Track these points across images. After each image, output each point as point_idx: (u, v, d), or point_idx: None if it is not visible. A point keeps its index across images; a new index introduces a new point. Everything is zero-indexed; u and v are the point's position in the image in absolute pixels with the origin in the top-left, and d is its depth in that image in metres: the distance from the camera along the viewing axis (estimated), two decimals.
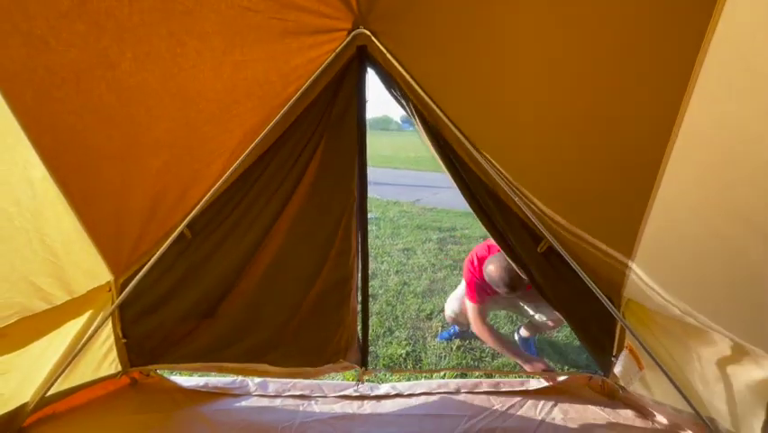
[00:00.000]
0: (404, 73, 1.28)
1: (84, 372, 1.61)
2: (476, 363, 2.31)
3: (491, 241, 2.18)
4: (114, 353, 1.68)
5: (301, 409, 1.72)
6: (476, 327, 2.10)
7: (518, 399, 1.79)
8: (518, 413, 1.72)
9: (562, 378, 1.88)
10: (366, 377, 1.87)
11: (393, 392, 1.84)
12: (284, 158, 1.45)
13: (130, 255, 1.54)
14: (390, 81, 1.35)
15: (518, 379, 1.96)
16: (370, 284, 1.74)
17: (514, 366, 2.29)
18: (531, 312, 2.30)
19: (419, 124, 1.40)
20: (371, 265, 2.73)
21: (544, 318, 2.25)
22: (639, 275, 1.40)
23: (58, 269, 1.38)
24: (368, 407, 1.76)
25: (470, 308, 2.12)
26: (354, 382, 1.88)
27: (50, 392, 1.50)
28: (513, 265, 1.69)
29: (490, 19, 1.15)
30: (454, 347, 2.42)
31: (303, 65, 1.29)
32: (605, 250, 1.42)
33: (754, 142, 0.98)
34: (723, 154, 1.05)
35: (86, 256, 1.45)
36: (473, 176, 1.44)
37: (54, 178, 1.26)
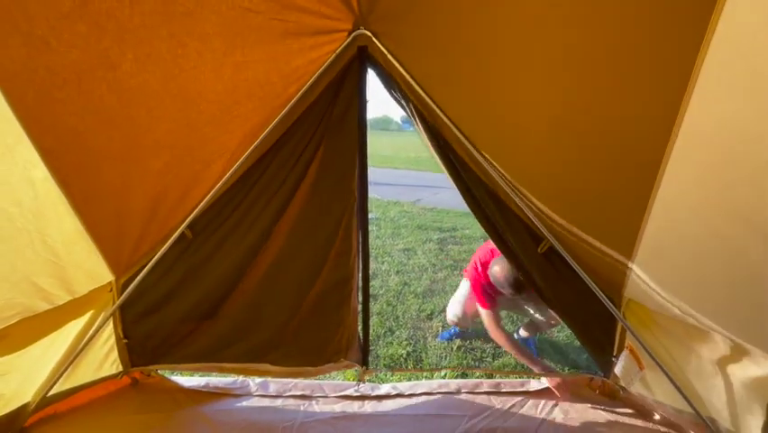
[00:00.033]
0: (404, 74, 1.28)
1: (85, 372, 1.61)
2: (477, 364, 2.31)
3: (491, 244, 2.19)
4: (116, 353, 1.68)
5: (302, 409, 1.72)
6: (493, 333, 2.10)
7: (519, 399, 1.79)
8: (519, 413, 1.72)
9: (567, 378, 1.88)
10: (367, 376, 1.87)
11: (394, 392, 1.84)
12: (285, 158, 1.46)
13: (131, 256, 1.54)
14: (391, 82, 1.35)
15: (519, 379, 1.96)
16: (370, 284, 1.74)
17: (515, 366, 2.29)
18: (531, 311, 2.30)
19: (419, 124, 1.40)
20: (372, 265, 2.74)
21: (544, 318, 2.25)
22: (639, 275, 1.40)
23: (59, 269, 1.38)
24: (368, 407, 1.76)
25: (484, 314, 2.12)
26: (355, 382, 1.88)
27: (51, 392, 1.51)
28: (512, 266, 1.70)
29: (490, 19, 1.15)
30: (455, 347, 2.42)
31: (304, 66, 1.29)
32: (605, 250, 1.42)
33: (754, 142, 0.98)
34: (723, 154, 1.05)
35: (88, 257, 1.45)
36: (473, 176, 1.45)
37: (55, 178, 1.26)
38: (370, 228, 1.65)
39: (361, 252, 1.65)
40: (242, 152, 1.39)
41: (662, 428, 1.62)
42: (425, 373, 2.20)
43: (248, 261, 1.60)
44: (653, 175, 1.18)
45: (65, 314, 1.48)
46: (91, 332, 1.50)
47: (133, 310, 1.62)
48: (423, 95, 1.30)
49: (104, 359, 1.65)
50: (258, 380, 1.86)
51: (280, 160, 1.46)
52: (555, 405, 1.76)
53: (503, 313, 2.76)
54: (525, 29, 1.15)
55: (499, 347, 2.42)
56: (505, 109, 1.31)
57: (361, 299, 1.74)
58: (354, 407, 1.76)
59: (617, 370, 1.65)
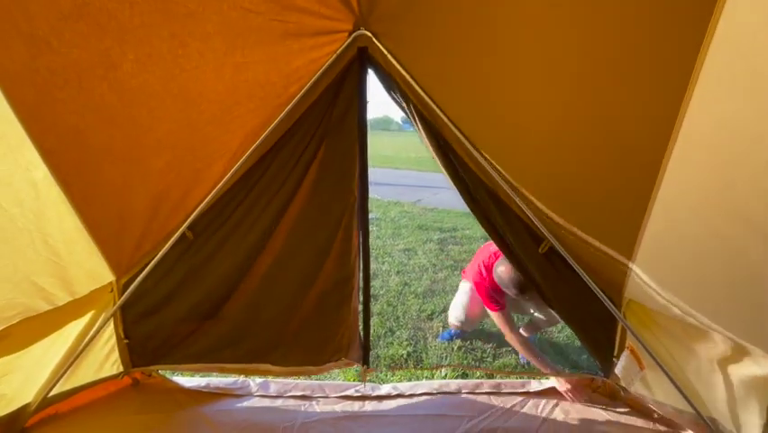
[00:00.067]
0: (404, 74, 1.28)
1: (86, 372, 1.61)
2: (477, 364, 2.31)
3: (492, 247, 2.19)
4: (116, 353, 1.68)
5: (302, 409, 1.73)
6: (507, 334, 2.10)
7: (519, 399, 1.79)
8: (520, 414, 1.72)
9: (569, 378, 1.87)
10: (368, 375, 1.87)
11: (394, 393, 1.84)
12: (285, 159, 1.46)
13: (132, 256, 1.55)
14: (391, 82, 1.36)
15: (519, 380, 1.96)
16: (371, 284, 1.74)
17: (515, 367, 2.29)
18: (532, 311, 2.31)
19: (419, 124, 1.40)
20: (372, 266, 2.73)
21: (545, 317, 2.25)
22: (640, 275, 1.40)
23: (60, 269, 1.39)
24: (369, 407, 1.76)
25: (495, 317, 2.12)
26: (355, 383, 1.88)
27: (52, 393, 1.51)
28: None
29: (491, 19, 1.15)
30: (455, 348, 2.42)
31: (304, 66, 1.29)
32: (605, 250, 1.42)
33: (754, 142, 0.98)
34: (723, 154, 1.05)
35: (89, 257, 1.46)
36: (473, 176, 1.45)
37: (56, 178, 1.26)
38: (370, 228, 1.65)
39: (362, 252, 1.66)
40: (242, 152, 1.39)
41: (663, 428, 1.62)
42: (425, 374, 2.20)
43: (249, 261, 1.60)
44: (653, 175, 1.18)
45: (66, 314, 1.48)
46: (92, 332, 1.50)
47: (134, 311, 1.63)
48: (423, 95, 1.30)
49: (104, 359, 1.66)
50: (258, 380, 1.86)
51: (281, 160, 1.46)
52: (556, 405, 1.76)
53: None
54: (525, 29, 1.15)
55: (500, 347, 2.42)
56: (505, 109, 1.31)
57: (361, 299, 1.74)
58: (355, 407, 1.76)
59: (618, 370, 1.65)
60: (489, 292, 2.11)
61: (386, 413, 1.73)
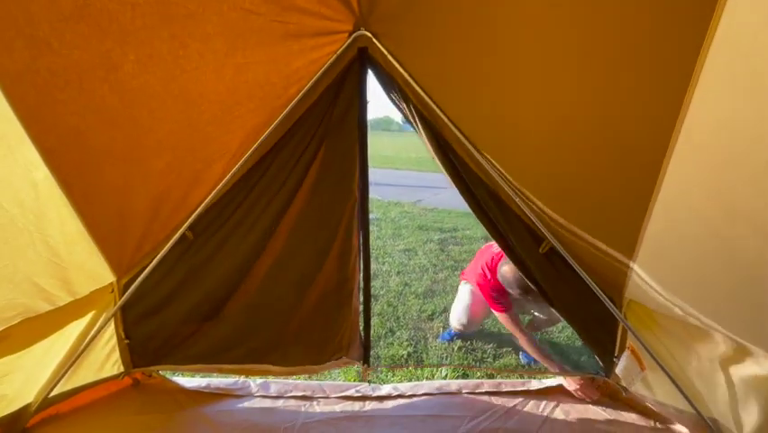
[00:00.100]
0: (404, 74, 1.28)
1: (86, 373, 1.61)
2: (477, 364, 2.31)
3: (495, 249, 2.19)
4: (117, 354, 1.68)
5: (303, 409, 1.73)
6: (515, 334, 2.09)
7: (520, 399, 1.79)
8: (520, 414, 1.72)
9: (570, 378, 1.87)
10: (369, 374, 1.87)
11: (395, 393, 1.84)
12: (285, 159, 1.46)
13: (132, 256, 1.55)
14: (391, 83, 1.36)
15: (520, 380, 1.96)
16: (371, 285, 1.74)
17: (516, 367, 2.29)
18: (534, 310, 2.31)
19: (419, 125, 1.40)
20: (373, 266, 2.74)
21: (546, 317, 2.25)
22: (640, 275, 1.40)
23: (61, 270, 1.39)
24: (370, 408, 1.76)
25: (502, 318, 2.12)
26: (356, 383, 1.89)
27: (53, 393, 1.51)
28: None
29: (491, 19, 1.15)
30: (456, 348, 2.42)
31: (304, 67, 1.30)
32: (606, 250, 1.42)
33: (755, 142, 0.98)
34: (724, 154, 1.05)
35: (89, 257, 1.46)
36: (474, 176, 1.45)
37: (56, 178, 1.26)
38: (370, 229, 1.65)
39: (362, 252, 1.66)
40: (243, 153, 1.39)
41: (664, 429, 1.61)
42: (425, 374, 2.20)
43: (249, 261, 1.61)
44: (654, 175, 1.18)
45: (66, 315, 1.48)
46: (92, 333, 1.51)
47: (135, 311, 1.63)
48: (423, 95, 1.30)
49: (105, 360, 1.66)
50: (259, 380, 1.86)
51: (281, 160, 1.46)
52: (557, 405, 1.76)
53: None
54: (525, 29, 1.15)
55: (500, 348, 2.42)
56: (505, 109, 1.31)
57: (362, 299, 1.74)
58: (355, 407, 1.76)
59: (619, 370, 1.65)
60: (494, 294, 2.11)
61: (386, 413, 1.73)
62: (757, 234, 1.04)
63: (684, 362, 1.45)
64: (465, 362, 2.32)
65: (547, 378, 1.95)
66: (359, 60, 1.33)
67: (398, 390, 1.86)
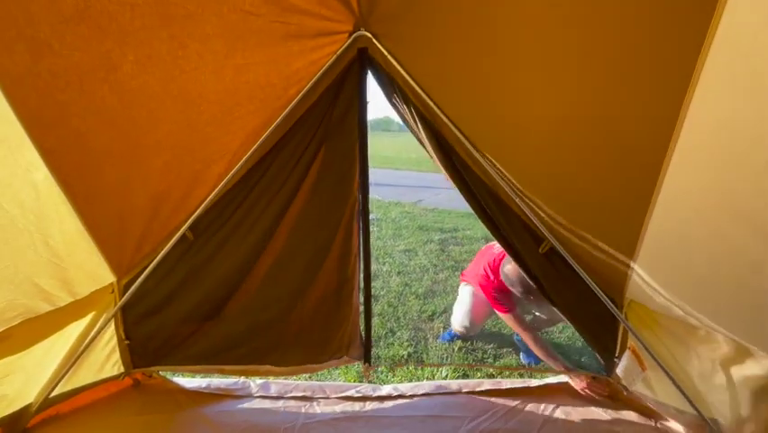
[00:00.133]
0: (404, 74, 1.28)
1: (87, 373, 1.61)
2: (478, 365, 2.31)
3: (496, 249, 2.19)
4: (117, 354, 1.68)
5: (303, 410, 1.72)
6: (521, 334, 2.09)
7: (521, 400, 1.79)
8: (521, 414, 1.72)
9: (572, 376, 1.87)
10: (370, 373, 1.87)
11: (395, 393, 1.84)
12: (285, 159, 1.46)
13: (132, 257, 1.55)
14: (391, 83, 1.36)
15: (521, 379, 1.96)
16: (371, 285, 1.74)
17: (516, 367, 2.29)
18: (534, 310, 2.30)
19: (419, 125, 1.40)
20: (373, 266, 2.74)
21: (546, 316, 2.25)
22: (641, 276, 1.40)
23: (61, 270, 1.39)
24: (370, 408, 1.76)
25: (507, 319, 2.11)
26: (356, 384, 1.88)
27: (53, 393, 1.51)
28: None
29: (491, 19, 1.15)
30: (456, 348, 2.42)
31: (304, 67, 1.30)
32: (607, 250, 1.42)
33: (755, 142, 0.97)
34: (724, 155, 1.05)
35: (89, 258, 1.46)
36: (474, 176, 1.45)
37: (57, 179, 1.26)
38: (371, 229, 1.65)
39: (363, 253, 1.66)
40: (243, 153, 1.39)
41: (664, 429, 1.61)
42: (426, 374, 2.20)
43: (249, 262, 1.61)
44: (654, 175, 1.18)
45: (67, 315, 1.48)
46: (93, 333, 1.51)
47: (135, 311, 1.63)
48: (423, 95, 1.30)
49: (105, 360, 1.66)
50: (259, 381, 1.86)
51: (281, 161, 1.46)
52: (557, 406, 1.75)
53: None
54: (525, 29, 1.15)
55: (500, 348, 2.42)
56: (505, 109, 1.31)
57: (362, 299, 1.74)
58: (356, 408, 1.75)
59: (619, 370, 1.64)
60: (497, 294, 2.10)
61: (387, 414, 1.73)
62: (757, 234, 1.04)
63: (685, 362, 1.45)
64: (466, 362, 2.32)
65: (547, 376, 1.95)
66: (359, 61, 1.34)
67: (399, 390, 1.86)
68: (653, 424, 1.64)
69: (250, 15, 1.14)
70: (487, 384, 1.88)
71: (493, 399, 1.80)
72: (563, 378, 1.89)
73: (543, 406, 1.75)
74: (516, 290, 1.98)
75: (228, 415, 1.69)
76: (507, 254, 1.99)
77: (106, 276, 1.55)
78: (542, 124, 1.29)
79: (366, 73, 1.37)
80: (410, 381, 2.05)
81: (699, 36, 0.96)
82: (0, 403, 1.39)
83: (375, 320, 2.66)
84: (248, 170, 1.46)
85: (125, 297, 1.49)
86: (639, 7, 1.04)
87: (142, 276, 1.45)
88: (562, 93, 1.22)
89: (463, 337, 2.48)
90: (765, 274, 1.08)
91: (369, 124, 1.48)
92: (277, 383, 1.86)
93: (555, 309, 2.03)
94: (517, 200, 1.38)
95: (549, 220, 1.44)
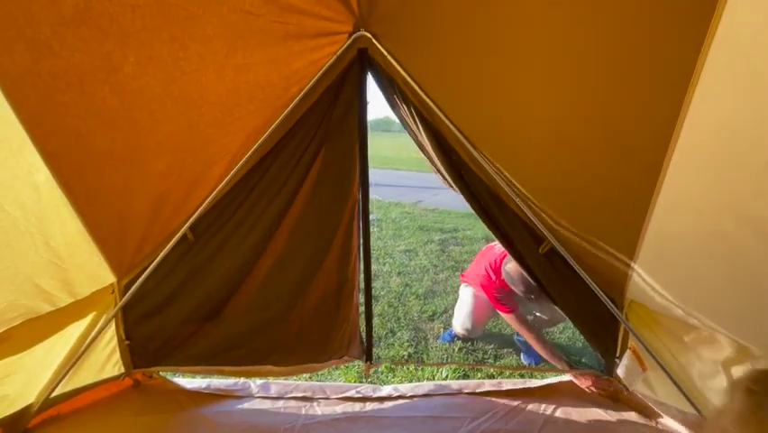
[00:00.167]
0: (404, 74, 1.28)
1: (87, 373, 1.61)
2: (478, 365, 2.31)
3: (497, 249, 2.19)
4: (118, 354, 1.69)
5: (303, 411, 1.72)
6: (524, 334, 2.09)
7: (521, 400, 1.79)
8: (521, 415, 1.72)
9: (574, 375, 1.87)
10: (370, 371, 1.86)
11: (395, 394, 1.84)
12: (286, 160, 1.46)
13: (133, 257, 1.55)
14: (390, 84, 1.36)
15: (521, 379, 1.96)
16: (371, 285, 1.74)
17: (516, 367, 2.29)
18: (535, 310, 2.30)
19: (419, 125, 1.40)
20: (373, 267, 2.74)
21: (547, 316, 2.25)
22: (642, 276, 1.40)
23: (62, 271, 1.39)
24: (370, 408, 1.76)
25: (509, 319, 2.11)
26: (356, 384, 1.88)
27: (54, 394, 1.51)
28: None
29: (491, 19, 1.15)
30: (456, 349, 2.41)
31: (304, 68, 1.30)
32: (607, 250, 1.42)
33: (756, 142, 0.97)
34: (725, 155, 1.05)
35: (90, 258, 1.46)
36: (474, 177, 1.45)
37: (57, 180, 1.27)
38: (371, 230, 1.65)
39: (363, 253, 1.66)
40: (243, 154, 1.39)
41: (665, 429, 1.61)
42: (426, 374, 2.20)
43: (249, 262, 1.61)
44: (654, 175, 1.18)
45: (67, 316, 1.48)
46: (93, 334, 1.51)
47: (135, 312, 1.63)
48: (423, 95, 1.30)
49: (106, 361, 1.66)
50: (259, 381, 1.86)
51: (281, 161, 1.46)
52: (558, 406, 1.75)
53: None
54: (525, 29, 1.15)
55: (501, 348, 2.42)
56: (505, 109, 1.32)
57: (363, 300, 1.74)
58: (356, 408, 1.75)
59: (620, 371, 1.64)
60: (499, 295, 2.10)
61: (387, 414, 1.73)
62: (757, 234, 1.04)
63: (685, 362, 1.45)
64: (466, 362, 2.31)
65: (547, 376, 1.95)
66: (359, 61, 1.34)
67: (399, 390, 1.86)
68: (653, 424, 1.64)
69: (250, 15, 1.14)
70: (487, 385, 1.87)
71: (493, 399, 1.80)
72: (564, 378, 1.89)
73: (543, 406, 1.75)
74: (517, 289, 1.98)
75: (228, 415, 1.69)
76: (508, 254, 2.00)
77: (107, 277, 1.55)
78: (542, 123, 1.29)
79: (366, 73, 1.37)
80: (410, 381, 2.05)
81: (699, 36, 0.96)
82: (1, 403, 1.40)
83: (375, 321, 2.66)
84: (248, 170, 1.46)
85: (126, 297, 1.49)
86: (639, 7, 1.04)
87: (143, 277, 1.45)
88: (562, 93, 1.22)
89: (464, 339, 2.48)
90: (765, 274, 1.08)
91: (369, 125, 1.48)
92: (277, 384, 1.86)
93: (556, 309, 2.04)
94: (517, 200, 1.38)
95: (549, 220, 1.43)
